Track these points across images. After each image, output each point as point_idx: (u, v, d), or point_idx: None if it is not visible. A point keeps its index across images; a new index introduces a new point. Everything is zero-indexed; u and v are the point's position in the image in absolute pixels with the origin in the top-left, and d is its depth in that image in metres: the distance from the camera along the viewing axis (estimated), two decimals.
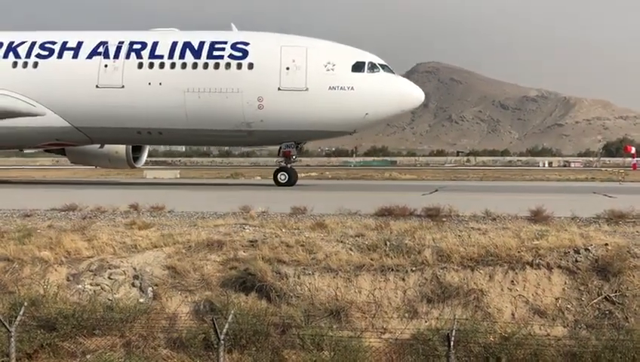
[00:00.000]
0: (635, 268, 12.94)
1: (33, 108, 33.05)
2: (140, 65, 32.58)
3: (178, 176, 51.82)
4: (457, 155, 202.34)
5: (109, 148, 37.06)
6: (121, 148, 37.09)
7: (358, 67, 31.95)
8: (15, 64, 33.59)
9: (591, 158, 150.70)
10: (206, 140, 38.03)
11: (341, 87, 31.47)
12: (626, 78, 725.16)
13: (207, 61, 32.27)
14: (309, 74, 31.43)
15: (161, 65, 32.50)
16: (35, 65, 33.46)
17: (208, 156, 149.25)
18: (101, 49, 33.04)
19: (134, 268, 14.05)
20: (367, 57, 32.59)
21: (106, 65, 32.60)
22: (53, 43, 33.69)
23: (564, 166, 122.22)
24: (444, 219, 16.15)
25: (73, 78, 32.88)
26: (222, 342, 11.58)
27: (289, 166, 32.96)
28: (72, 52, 33.31)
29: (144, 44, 32.93)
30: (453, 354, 11.25)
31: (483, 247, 13.61)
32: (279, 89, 31.42)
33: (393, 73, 33.08)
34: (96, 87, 32.50)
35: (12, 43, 34.00)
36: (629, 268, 12.90)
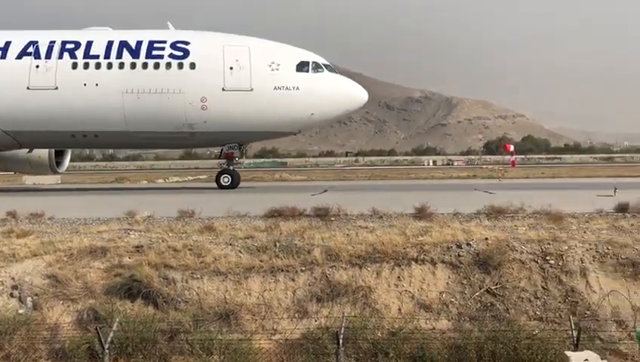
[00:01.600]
0: (514, 260, 13.51)
1: None
2: (75, 66, 30.97)
3: (59, 181, 49.93)
4: (346, 156, 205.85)
5: (32, 152, 35.15)
6: (43, 153, 35.32)
7: (302, 67, 31.51)
8: None
9: (472, 156, 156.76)
10: (145, 143, 36.54)
11: (286, 87, 30.92)
12: (505, 79, 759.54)
13: (147, 61, 31.03)
14: (253, 74, 30.79)
15: (97, 66, 30.99)
16: None
17: (92, 160, 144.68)
18: (31, 49, 31.16)
19: (13, 278, 13.46)
20: (311, 57, 32.22)
21: (37, 66, 30.80)
22: None
23: (448, 164, 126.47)
24: (332, 219, 16.30)
25: (1, 79, 30.88)
26: (107, 350, 11.31)
27: (232, 168, 32.19)
28: None
29: (78, 44, 31.35)
30: (342, 352, 11.39)
31: (370, 245, 13.85)
32: (223, 89, 30.65)
33: (336, 73, 33.02)
34: (27, 88, 30.64)
35: None
36: (508, 261, 13.45)
